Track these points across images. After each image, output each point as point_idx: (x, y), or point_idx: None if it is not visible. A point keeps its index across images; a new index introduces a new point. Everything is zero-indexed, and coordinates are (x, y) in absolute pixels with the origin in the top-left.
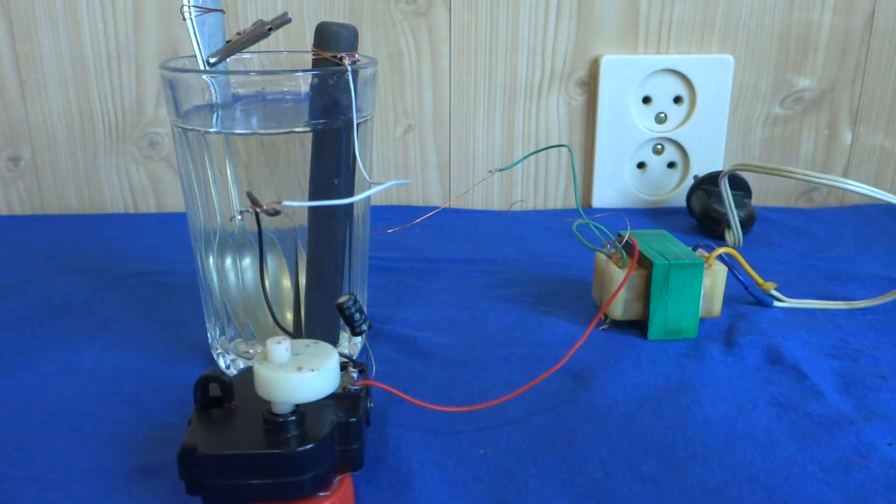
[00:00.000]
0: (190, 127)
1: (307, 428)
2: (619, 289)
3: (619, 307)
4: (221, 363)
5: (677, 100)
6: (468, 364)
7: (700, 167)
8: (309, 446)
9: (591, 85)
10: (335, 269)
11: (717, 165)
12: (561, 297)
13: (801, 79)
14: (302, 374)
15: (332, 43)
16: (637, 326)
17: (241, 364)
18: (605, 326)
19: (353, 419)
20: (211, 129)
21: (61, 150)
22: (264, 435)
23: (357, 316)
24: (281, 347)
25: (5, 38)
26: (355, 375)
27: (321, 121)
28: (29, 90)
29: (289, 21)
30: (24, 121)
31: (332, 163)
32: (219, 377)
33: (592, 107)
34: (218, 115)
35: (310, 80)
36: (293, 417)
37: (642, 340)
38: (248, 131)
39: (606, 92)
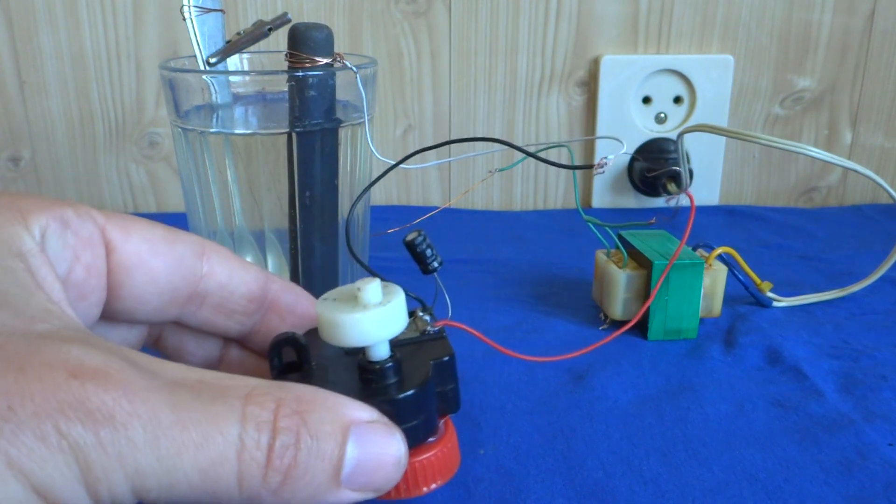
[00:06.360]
0: (190, 127)
1: (406, 373)
2: (649, 300)
3: (618, 307)
4: None
5: (677, 100)
6: (468, 364)
7: (700, 168)
8: (413, 391)
9: (591, 85)
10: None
11: (717, 166)
12: (561, 297)
13: (800, 79)
14: (401, 297)
15: (320, 47)
16: (637, 326)
17: None
18: (604, 326)
19: (447, 358)
20: (211, 129)
21: (61, 150)
22: (362, 387)
23: (428, 252)
24: (377, 284)
25: (5, 38)
26: (428, 318)
27: (320, 121)
28: (29, 90)
29: (289, 21)
30: (24, 121)
31: (332, 163)
32: (295, 339)
33: (592, 107)
34: (218, 115)
35: (308, 80)
36: (391, 364)
37: (642, 340)
38: (248, 131)
39: (606, 92)
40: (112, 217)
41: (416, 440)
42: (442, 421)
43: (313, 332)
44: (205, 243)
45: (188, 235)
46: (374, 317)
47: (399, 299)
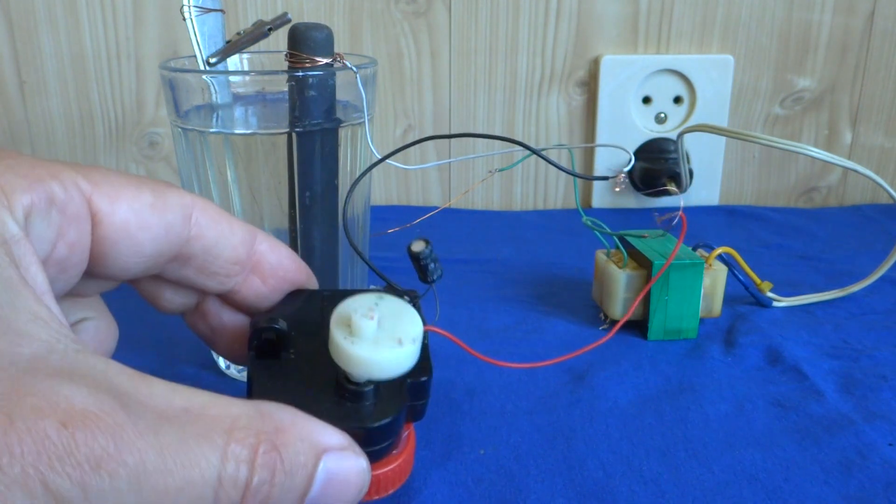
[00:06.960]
0: (190, 127)
1: (383, 394)
2: (638, 300)
3: (618, 307)
4: (221, 364)
5: (677, 100)
6: (468, 364)
7: (700, 168)
8: (388, 419)
9: (591, 85)
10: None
11: (717, 166)
12: (561, 297)
13: (801, 79)
14: (395, 351)
15: (320, 47)
16: (637, 326)
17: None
18: (604, 326)
19: (424, 378)
20: (211, 129)
21: (61, 150)
22: (337, 401)
23: (431, 266)
24: (372, 323)
25: (5, 38)
26: None
27: (320, 121)
28: (29, 90)
29: (289, 21)
30: (24, 121)
31: (332, 163)
32: (276, 329)
33: (592, 107)
34: (218, 115)
35: (308, 80)
36: (369, 388)
37: (642, 340)
38: (248, 131)
39: (606, 92)
40: (99, 184)
41: (381, 457)
42: (406, 433)
43: (294, 296)
44: (194, 204)
45: (177, 197)
46: (379, 358)
47: (411, 350)
